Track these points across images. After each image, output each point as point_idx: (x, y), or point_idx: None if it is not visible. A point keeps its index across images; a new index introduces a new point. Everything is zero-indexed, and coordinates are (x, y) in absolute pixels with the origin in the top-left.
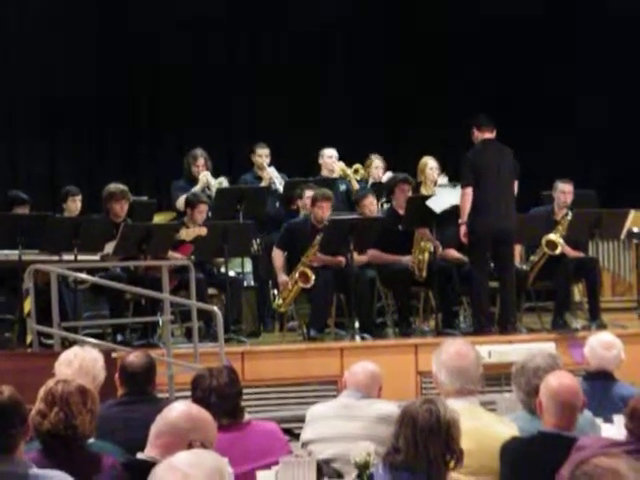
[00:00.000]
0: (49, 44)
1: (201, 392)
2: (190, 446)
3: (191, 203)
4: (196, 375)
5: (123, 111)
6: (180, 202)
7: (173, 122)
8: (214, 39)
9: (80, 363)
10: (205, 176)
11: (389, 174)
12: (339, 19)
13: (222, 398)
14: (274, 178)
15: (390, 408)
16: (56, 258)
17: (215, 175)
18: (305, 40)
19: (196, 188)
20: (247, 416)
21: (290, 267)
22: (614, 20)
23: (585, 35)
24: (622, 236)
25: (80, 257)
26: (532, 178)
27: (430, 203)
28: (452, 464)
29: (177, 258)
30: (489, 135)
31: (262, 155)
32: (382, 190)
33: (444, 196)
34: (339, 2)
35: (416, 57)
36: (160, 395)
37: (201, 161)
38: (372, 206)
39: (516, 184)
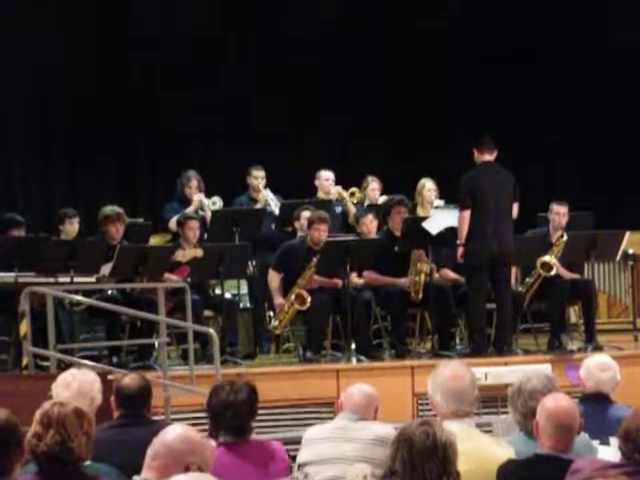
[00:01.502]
0: (46, 56)
1: (216, 403)
2: (187, 469)
3: (180, 222)
4: (215, 385)
5: (119, 134)
6: (172, 223)
7: (170, 144)
8: (212, 54)
9: (79, 385)
10: (199, 197)
11: (385, 197)
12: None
13: (235, 415)
14: (269, 200)
15: (386, 430)
16: (52, 280)
17: (209, 196)
18: (306, 50)
19: (189, 209)
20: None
21: (286, 289)
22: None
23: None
24: (617, 257)
25: (76, 279)
26: (528, 199)
27: (426, 225)
28: None
29: (173, 280)
30: (488, 157)
31: (258, 177)
32: (378, 212)
33: (440, 217)
34: (338, 8)
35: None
36: (156, 417)
37: (194, 182)
38: (371, 225)
39: (517, 206)
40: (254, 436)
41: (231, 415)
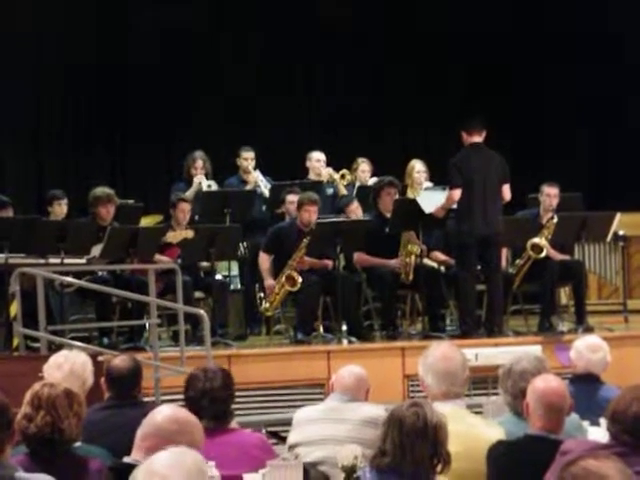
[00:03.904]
0: (38, 44)
1: (193, 392)
2: None
3: (172, 204)
4: (190, 375)
5: (110, 114)
6: None
7: (160, 125)
8: (201, 40)
9: (71, 367)
10: (198, 179)
11: (375, 178)
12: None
13: (213, 401)
14: (259, 182)
15: (377, 411)
16: (42, 261)
17: (214, 178)
18: (299, 41)
19: (190, 191)
20: (234, 423)
21: (277, 270)
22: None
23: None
24: (608, 239)
25: (66, 260)
26: (518, 181)
27: (420, 201)
28: (439, 467)
29: (164, 261)
30: (477, 139)
31: (247, 158)
32: (369, 193)
33: (435, 196)
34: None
35: (416, 57)
36: (146, 398)
37: (199, 163)
38: (358, 210)
39: (507, 187)
40: (240, 418)
41: (209, 402)
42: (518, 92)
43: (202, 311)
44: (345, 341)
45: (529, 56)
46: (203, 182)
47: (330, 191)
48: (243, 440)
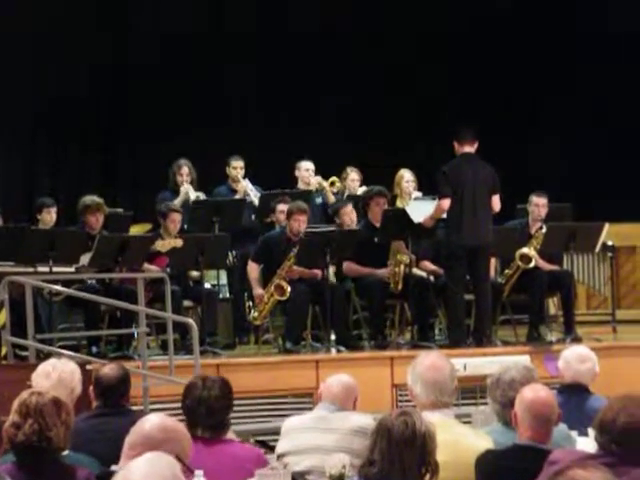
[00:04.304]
0: (37, 44)
1: (190, 401)
2: None
3: (163, 213)
4: (189, 383)
5: (100, 122)
6: None
7: (151, 133)
8: (195, 50)
9: (59, 375)
10: (186, 189)
11: (364, 187)
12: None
13: (210, 411)
14: (248, 191)
15: (365, 420)
16: (31, 270)
17: (199, 186)
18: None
19: (176, 201)
20: (231, 433)
21: (266, 280)
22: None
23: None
24: (597, 249)
25: (55, 269)
26: (507, 191)
27: (410, 210)
28: (427, 477)
29: (152, 270)
30: (468, 149)
31: (237, 167)
32: (358, 203)
33: (424, 206)
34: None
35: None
36: (135, 407)
37: (185, 170)
38: (352, 214)
39: (497, 198)
40: (232, 428)
41: (205, 412)
42: (509, 101)
43: (191, 320)
44: (334, 350)
45: (523, 65)
46: (191, 192)
47: (319, 200)
48: (239, 453)
